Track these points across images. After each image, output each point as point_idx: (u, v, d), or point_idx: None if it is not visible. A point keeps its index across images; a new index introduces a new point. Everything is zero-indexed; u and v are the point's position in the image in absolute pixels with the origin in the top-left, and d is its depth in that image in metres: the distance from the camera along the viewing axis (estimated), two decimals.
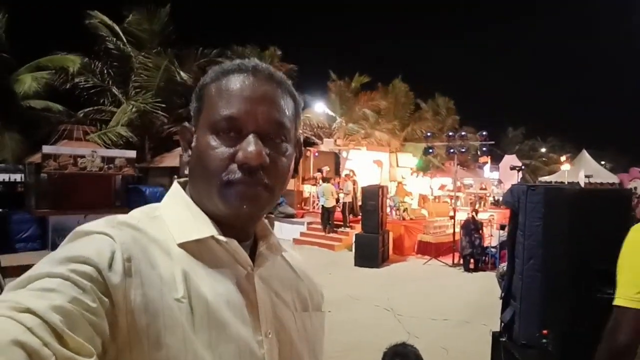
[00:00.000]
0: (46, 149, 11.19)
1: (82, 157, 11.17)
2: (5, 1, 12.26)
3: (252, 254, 0.73)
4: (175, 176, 13.33)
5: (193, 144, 0.71)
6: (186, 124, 0.75)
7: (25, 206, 12.01)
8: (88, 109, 15.90)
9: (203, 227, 0.67)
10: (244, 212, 0.67)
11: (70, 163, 10.96)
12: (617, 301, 1.38)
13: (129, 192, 12.92)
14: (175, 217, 0.70)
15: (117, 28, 16.26)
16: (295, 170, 0.77)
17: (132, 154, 12.58)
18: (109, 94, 16.25)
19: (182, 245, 0.66)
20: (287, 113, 0.71)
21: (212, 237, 0.67)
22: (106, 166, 11.48)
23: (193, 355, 0.58)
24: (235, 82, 0.68)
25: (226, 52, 19.33)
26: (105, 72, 16.17)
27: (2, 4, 12.18)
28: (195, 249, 0.66)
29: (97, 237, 0.60)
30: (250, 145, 0.65)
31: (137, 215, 0.69)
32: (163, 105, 15.68)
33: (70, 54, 14.86)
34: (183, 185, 0.75)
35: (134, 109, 15.13)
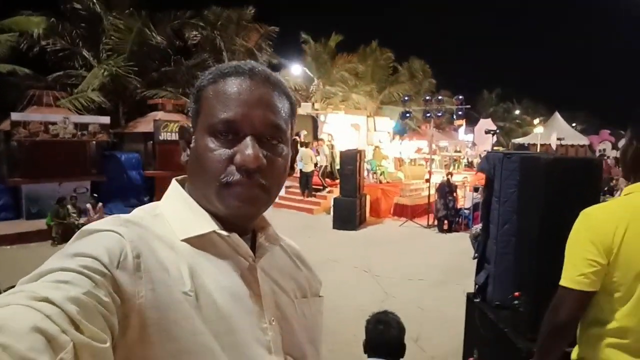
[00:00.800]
0: (15, 115, 10.80)
1: (54, 123, 10.86)
2: None
3: (252, 245, 0.76)
4: (151, 142, 13.09)
5: (192, 145, 0.73)
6: (185, 124, 0.78)
7: None
8: (57, 74, 15.19)
9: (204, 223, 0.70)
10: (242, 213, 0.70)
11: (41, 130, 10.64)
12: (562, 281, 1.48)
13: (104, 159, 12.67)
14: (176, 214, 0.72)
15: None
16: (291, 168, 0.79)
17: (105, 119, 12.27)
18: (79, 57, 15.49)
19: (185, 241, 0.68)
20: (283, 115, 0.73)
21: (214, 231, 0.69)
22: (79, 133, 11.20)
23: (202, 346, 0.60)
24: (233, 86, 0.70)
25: (202, 13, 18.60)
26: (74, 33, 15.38)
27: None
28: (198, 243, 0.69)
29: (105, 235, 0.61)
30: (248, 148, 0.67)
31: (140, 214, 0.71)
32: (136, 69, 15.08)
33: (35, 15, 14.04)
34: (181, 183, 0.77)
35: (105, 73, 14.53)
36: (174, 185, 0.77)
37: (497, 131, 11.45)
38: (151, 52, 16.58)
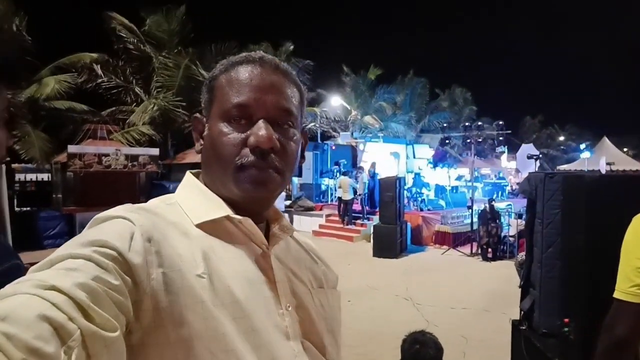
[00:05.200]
0: (71, 148, 11.52)
1: (107, 155, 11.50)
2: (26, 4, 12.59)
3: (266, 235, 0.76)
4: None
5: (205, 133, 0.75)
6: (197, 115, 0.80)
7: (52, 204, 12.39)
8: (111, 109, 16.25)
9: (218, 209, 0.70)
10: (256, 195, 0.70)
11: (95, 161, 11.29)
12: (615, 293, 1.36)
13: (153, 188, 13.20)
14: (190, 202, 0.73)
15: (136, 30, 16.60)
16: (302, 156, 0.81)
17: (155, 151, 12.86)
18: (131, 94, 16.61)
19: (199, 226, 0.68)
20: (294, 101, 0.75)
21: (227, 217, 0.70)
22: (130, 164, 11.78)
23: (215, 331, 0.60)
24: (244, 72, 0.72)
25: (242, 50, 19.45)
26: (128, 71, 16.52)
27: (23, 6, 12.50)
28: (212, 229, 0.69)
29: (116, 221, 0.61)
30: (262, 129, 0.68)
31: (155, 202, 0.73)
32: (184, 104, 15.90)
33: (91, 54, 15.20)
34: (196, 176, 0.78)
35: (155, 108, 15.41)
36: (188, 176, 0.79)
37: (540, 156, 11.14)
38: (198, 86, 17.34)
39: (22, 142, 12.46)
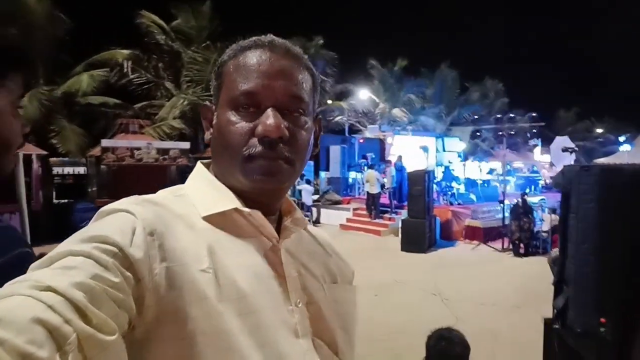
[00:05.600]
0: (105, 142, 11.89)
1: (138, 149, 11.82)
2: (62, 4, 13.00)
3: (278, 229, 0.74)
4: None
5: (214, 122, 0.73)
6: (207, 103, 0.77)
7: (88, 196, 12.82)
8: (142, 103, 16.70)
9: (226, 201, 0.68)
10: (265, 186, 0.68)
11: (127, 155, 11.62)
12: None
13: (184, 181, 13.46)
14: (199, 193, 0.71)
15: (166, 26, 16.99)
16: (315, 144, 0.77)
17: (185, 145, 13.13)
18: (162, 89, 17.00)
19: (207, 219, 0.67)
20: (305, 87, 0.71)
21: (236, 209, 0.68)
22: (161, 157, 12.07)
23: (218, 328, 0.58)
24: (253, 58, 0.69)
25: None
26: (159, 67, 16.98)
27: (60, 7, 12.91)
28: (220, 222, 0.67)
29: (118, 215, 0.60)
30: (270, 118, 0.65)
31: (163, 194, 0.71)
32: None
33: (123, 50, 15.65)
34: (207, 166, 0.76)
35: (185, 102, 15.73)
36: (199, 167, 0.77)
37: (576, 149, 10.76)
38: None
39: (60, 136, 12.91)
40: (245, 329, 0.60)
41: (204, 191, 0.71)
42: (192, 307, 0.57)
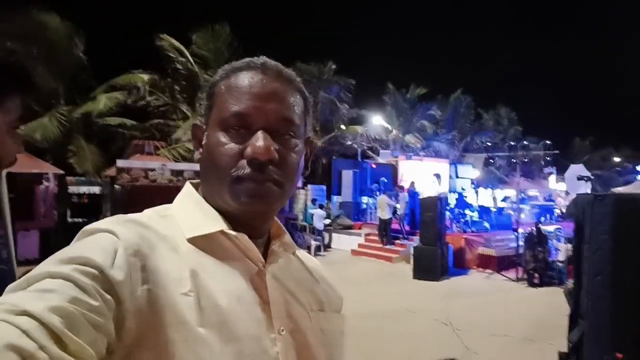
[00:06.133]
0: (120, 162, 12.06)
1: (153, 170, 11.93)
2: (84, 26, 13.48)
3: (265, 252, 0.73)
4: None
5: (204, 142, 0.72)
6: (197, 122, 0.76)
7: (101, 215, 12.94)
8: (157, 121, 17.04)
9: (213, 222, 0.67)
10: (253, 209, 0.67)
11: (142, 176, 11.73)
12: None
13: None
14: (185, 214, 0.70)
15: (184, 50, 17.36)
16: (306, 167, 0.77)
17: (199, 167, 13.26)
18: (177, 111, 17.34)
19: (191, 241, 0.65)
20: (296, 110, 0.71)
21: (222, 231, 0.66)
22: (175, 179, 12.16)
23: (195, 354, 0.56)
24: (244, 79, 0.68)
25: (293, 65, 19.99)
26: (176, 90, 17.33)
27: (82, 29, 13.39)
28: (205, 244, 0.66)
29: (100, 236, 0.58)
30: (259, 140, 0.65)
31: (149, 213, 0.69)
32: None
33: (142, 73, 16.04)
34: (196, 186, 0.75)
35: None
36: (187, 187, 0.76)
37: (591, 177, 10.61)
38: None
39: (77, 156, 13.16)
40: (226, 356, 0.59)
41: (190, 212, 0.70)
42: (172, 331, 0.56)
